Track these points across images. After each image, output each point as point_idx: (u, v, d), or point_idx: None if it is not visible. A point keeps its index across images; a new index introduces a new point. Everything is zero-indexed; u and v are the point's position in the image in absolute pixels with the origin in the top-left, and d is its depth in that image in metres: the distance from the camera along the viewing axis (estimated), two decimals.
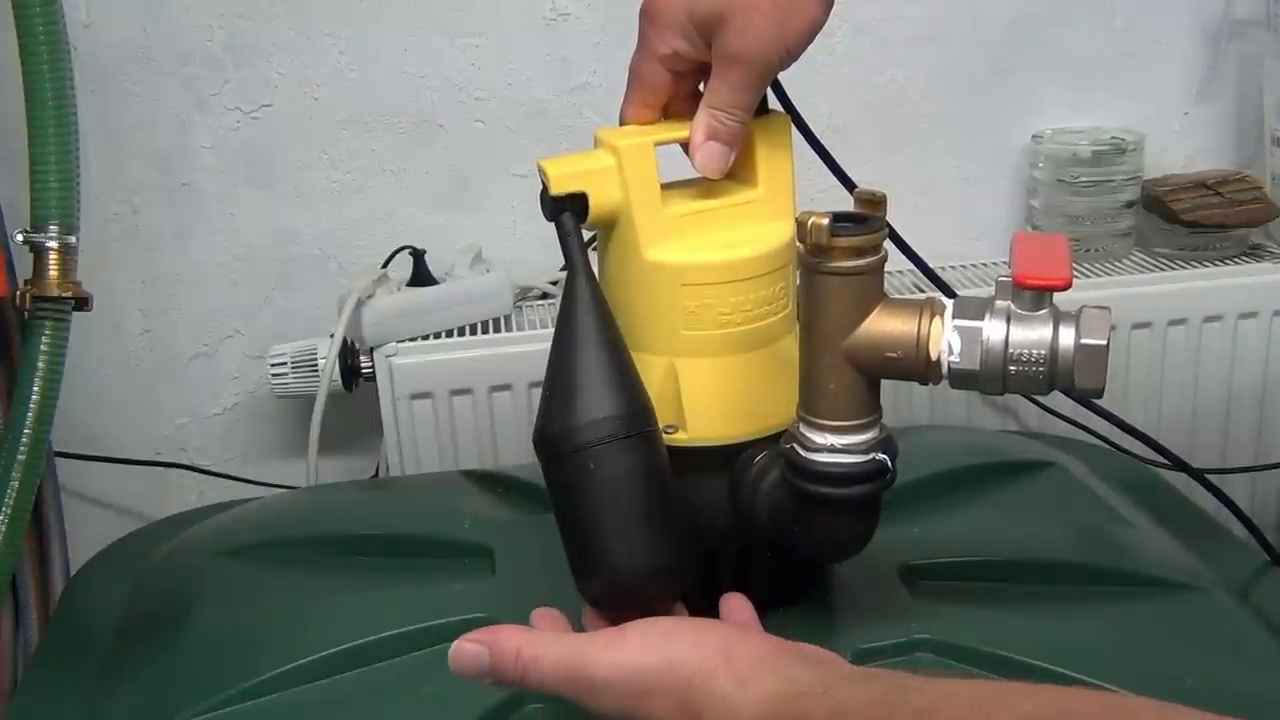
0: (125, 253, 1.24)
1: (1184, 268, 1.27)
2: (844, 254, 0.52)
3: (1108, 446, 1.15)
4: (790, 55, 0.60)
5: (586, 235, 0.61)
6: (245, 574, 0.74)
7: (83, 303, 0.92)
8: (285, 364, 1.18)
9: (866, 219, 0.53)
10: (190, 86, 1.20)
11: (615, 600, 0.57)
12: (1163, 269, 1.27)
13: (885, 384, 0.55)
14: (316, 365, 1.17)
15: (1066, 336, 0.50)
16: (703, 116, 0.61)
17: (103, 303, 1.03)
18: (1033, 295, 0.51)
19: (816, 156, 0.72)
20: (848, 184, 0.71)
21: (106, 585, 0.77)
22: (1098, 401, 0.82)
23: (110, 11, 1.17)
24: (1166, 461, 0.85)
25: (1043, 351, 0.51)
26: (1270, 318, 1.26)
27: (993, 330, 0.52)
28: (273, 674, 0.62)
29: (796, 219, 0.52)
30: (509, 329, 1.19)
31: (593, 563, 0.56)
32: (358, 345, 1.17)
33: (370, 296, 1.15)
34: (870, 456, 0.55)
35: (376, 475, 1.28)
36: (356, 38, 1.21)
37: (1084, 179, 1.27)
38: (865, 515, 0.57)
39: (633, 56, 0.64)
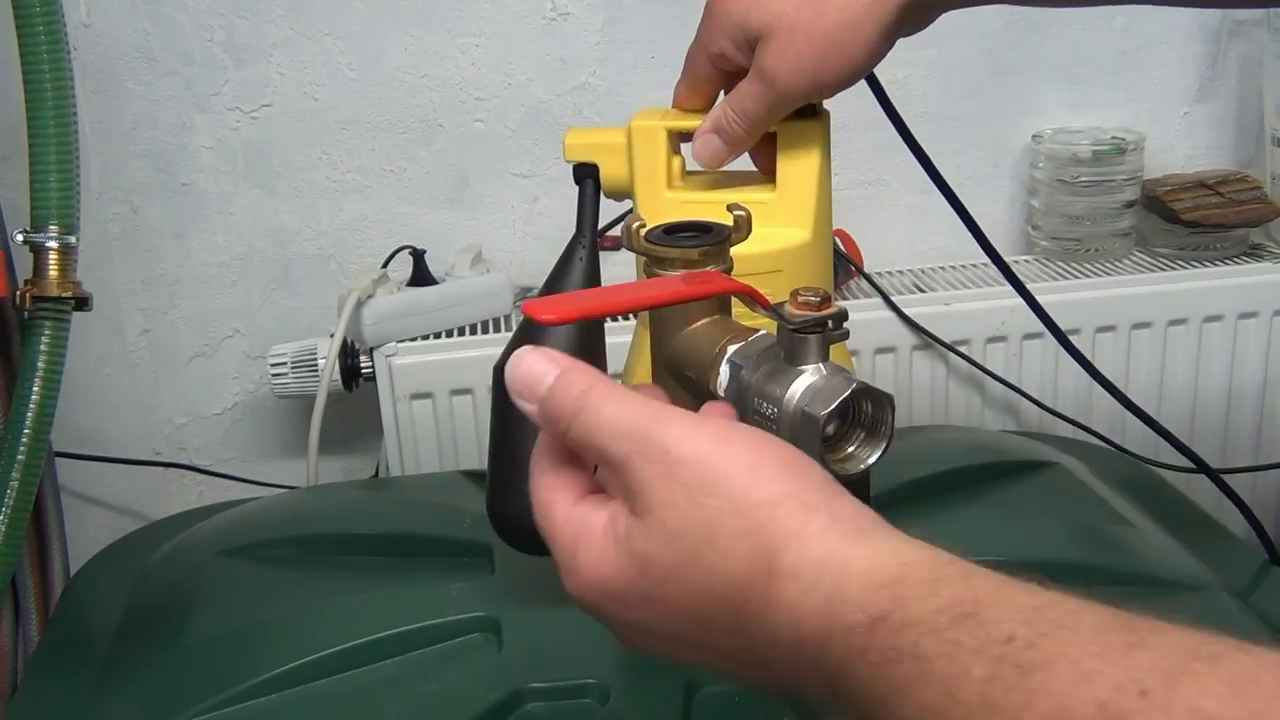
0: (125, 253, 1.24)
1: (1184, 268, 1.27)
2: (657, 263, 0.51)
3: (1109, 446, 1.15)
4: (822, 90, 0.60)
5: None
6: (245, 574, 0.74)
7: (83, 303, 0.92)
8: (285, 364, 1.18)
9: (710, 231, 0.51)
10: (190, 86, 1.20)
11: (520, 533, 0.59)
12: (1163, 269, 1.27)
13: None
14: (316, 365, 1.17)
15: (790, 399, 0.45)
16: (717, 109, 0.62)
17: (103, 303, 1.03)
18: (795, 344, 0.45)
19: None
20: (936, 178, 0.71)
21: (106, 585, 0.77)
22: (1131, 396, 0.82)
23: (110, 11, 1.17)
24: (1190, 462, 0.84)
25: (775, 409, 0.45)
26: (1270, 318, 1.26)
27: (754, 374, 0.46)
28: (273, 674, 0.62)
29: (626, 219, 0.52)
30: (509, 329, 1.19)
31: (507, 491, 0.59)
32: (358, 345, 1.17)
33: (370, 296, 1.15)
34: None
35: (376, 475, 1.28)
36: (356, 38, 1.21)
37: (1084, 179, 1.27)
38: None
39: (692, 41, 0.64)
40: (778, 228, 0.62)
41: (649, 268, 0.52)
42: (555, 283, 0.61)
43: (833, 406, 0.43)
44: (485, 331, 1.19)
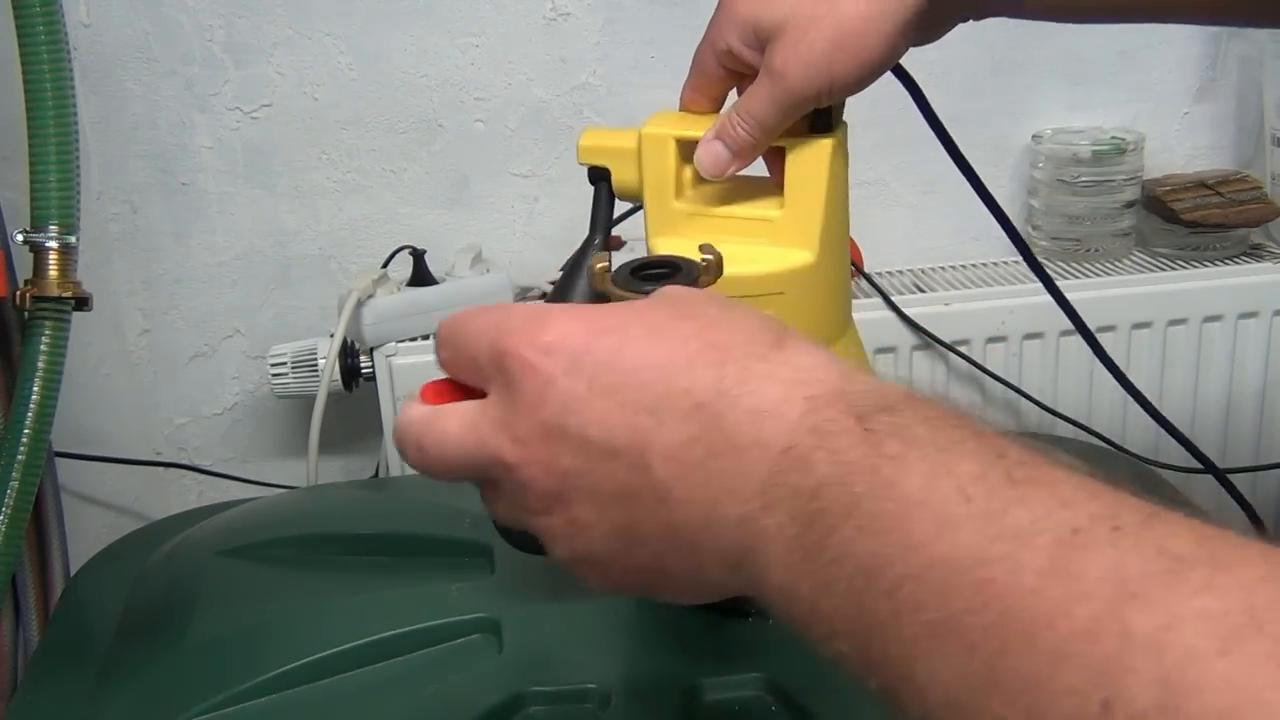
0: (125, 253, 1.24)
1: (1184, 268, 1.27)
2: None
3: (1109, 447, 1.15)
4: (834, 88, 0.58)
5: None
6: (245, 574, 0.73)
7: (83, 303, 0.92)
8: (285, 364, 1.18)
9: (680, 271, 0.50)
10: (190, 86, 1.20)
11: (524, 535, 0.59)
12: (1163, 269, 1.27)
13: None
14: (316, 365, 1.17)
15: None
16: (722, 116, 0.60)
17: (103, 303, 1.03)
18: None
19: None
20: (969, 173, 0.70)
21: (106, 585, 0.77)
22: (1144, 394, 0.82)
23: (110, 11, 1.17)
24: (1197, 462, 0.84)
25: None
26: (1270, 318, 1.26)
27: None
28: (273, 674, 0.62)
29: (591, 259, 0.51)
30: None
31: None
32: (358, 345, 1.17)
33: (370, 296, 1.15)
34: None
35: (376, 475, 1.28)
36: (356, 38, 1.21)
37: (1084, 179, 1.27)
38: None
39: (701, 38, 0.62)
40: (781, 248, 0.60)
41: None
42: (566, 285, 0.60)
43: None
44: None
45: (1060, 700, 0.26)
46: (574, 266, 0.61)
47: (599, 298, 0.59)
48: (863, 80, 0.59)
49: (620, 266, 0.51)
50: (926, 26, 0.60)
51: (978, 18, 0.62)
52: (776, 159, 0.62)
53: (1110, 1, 0.59)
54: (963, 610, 0.28)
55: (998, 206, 0.72)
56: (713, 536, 0.35)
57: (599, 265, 0.50)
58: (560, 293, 0.61)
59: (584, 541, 0.39)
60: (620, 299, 0.50)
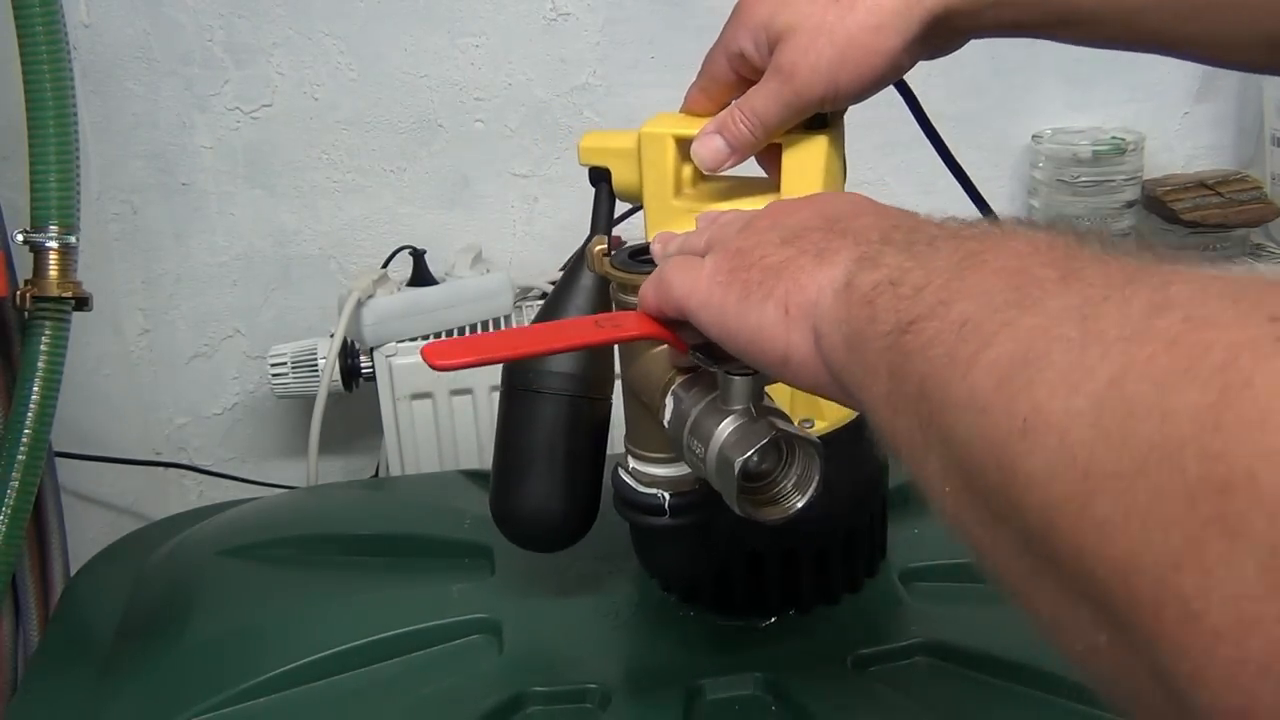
0: (125, 253, 1.24)
1: None
2: (621, 288, 0.52)
3: None
4: (838, 94, 0.58)
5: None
6: (245, 574, 0.74)
7: (83, 303, 0.92)
8: (285, 364, 1.18)
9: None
10: (190, 86, 1.20)
11: (523, 531, 0.62)
12: None
13: None
14: (316, 365, 1.17)
15: (715, 440, 0.44)
16: (725, 111, 0.61)
17: (103, 303, 1.03)
18: (725, 385, 0.44)
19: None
20: (963, 180, 0.70)
21: (106, 585, 0.77)
22: None
23: (110, 11, 1.17)
24: None
25: (703, 448, 0.45)
26: None
27: (691, 409, 0.46)
28: (272, 674, 0.62)
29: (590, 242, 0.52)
30: (509, 329, 1.19)
31: (511, 489, 0.61)
32: (358, 345, 1.17)
33: (370, 296, 1.15)
34: (651, 491, 0.54)
35: (376, 475, 1.28)
36: (356, 38, 1.21)
37: (1084, 179, 1.27)
38: (659, 545, 0.58)
39: (714, 43, 0.63)
40: None
41: (616, 293, 0.52)
42: (566, 283, 0.61)
43: (748, 454, 0.42)
44: (485, 331, 1.19)
45: None
46: (575, 267, 0.61)
47: (599, 292, 0.59)
48: (866, 90, 0.59)
49: (619, 250, 0.52)
50: (934, 43, 0.60)
51: (979, 36, 0.62)
52: (772, 157, 0.62)
53: (1113, 32, 0.59)
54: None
55: (993, 213, 0.72)
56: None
57: (598, 248, 0.50)
58: (560, 292, 0.61)
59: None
60: (621, 281, 0.51)
